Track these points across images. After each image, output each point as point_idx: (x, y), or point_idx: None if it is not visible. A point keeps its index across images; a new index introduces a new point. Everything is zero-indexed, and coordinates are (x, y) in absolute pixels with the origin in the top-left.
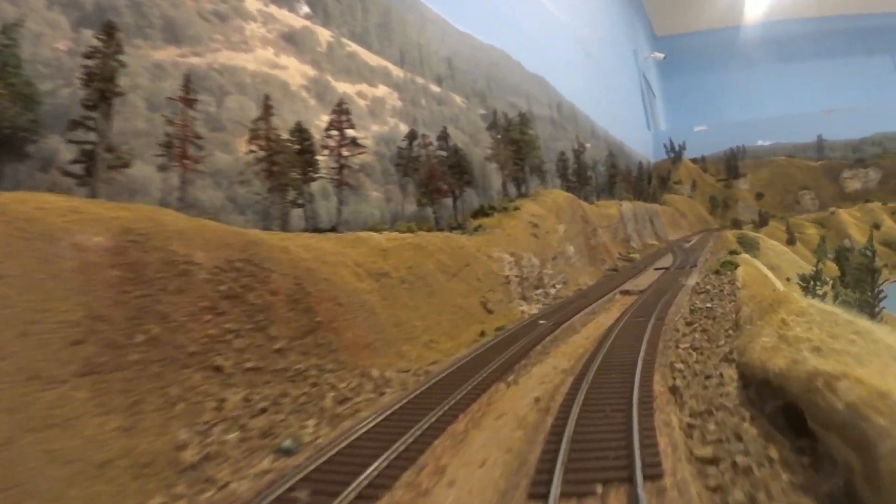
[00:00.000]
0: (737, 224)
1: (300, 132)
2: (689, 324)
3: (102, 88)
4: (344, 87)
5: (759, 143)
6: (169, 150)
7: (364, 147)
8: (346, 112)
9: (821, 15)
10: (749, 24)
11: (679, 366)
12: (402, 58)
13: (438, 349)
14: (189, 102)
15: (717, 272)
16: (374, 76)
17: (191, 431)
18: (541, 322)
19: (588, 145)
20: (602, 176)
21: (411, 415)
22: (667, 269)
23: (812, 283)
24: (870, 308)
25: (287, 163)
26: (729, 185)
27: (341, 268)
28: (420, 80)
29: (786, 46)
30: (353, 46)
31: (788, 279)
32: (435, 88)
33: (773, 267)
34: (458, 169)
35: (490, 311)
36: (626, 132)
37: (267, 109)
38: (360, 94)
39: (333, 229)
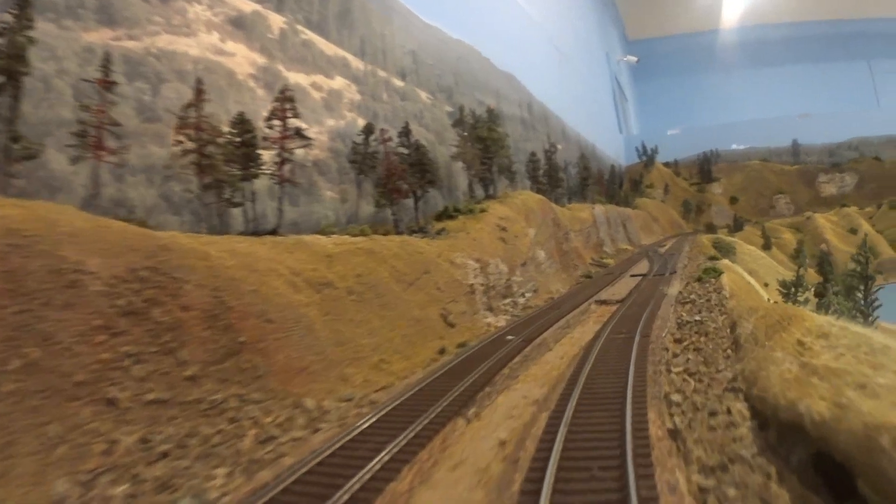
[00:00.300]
0: (711, 228)
1: (241, 123)
2: (678, 341)
3: (8, 67)
4: (297, 78)
5: (734, 147)
6: (82, 140)
7: (310, 140)
8: (291, 100)
9: (797, 20)
10: (724, 28)
11: (675, 397)
12: (362, 49)
13: (389, 371)
14: (107, 85)
15: (699, 280)
16: (332, 67)
17: (71, 482)
18: (508, 338)
19: (559, 147)
20: (573, 178)
21: (344, 465)
22: (644, 275)
23: (793, 289)
24: (863, 317)
25: (221, 156)
26: (702, 190)
27: (273, 277)
28: (382, 73)
29: (761, 51)
30: (309, 34)
31: (766, 284)
32: (398, 82)
33: (750, 272)
34: (419, 167)
35: (451, 325)
36: (597, 135)
37: (199, 95)
38: (315, 86)
39: (274, 232)
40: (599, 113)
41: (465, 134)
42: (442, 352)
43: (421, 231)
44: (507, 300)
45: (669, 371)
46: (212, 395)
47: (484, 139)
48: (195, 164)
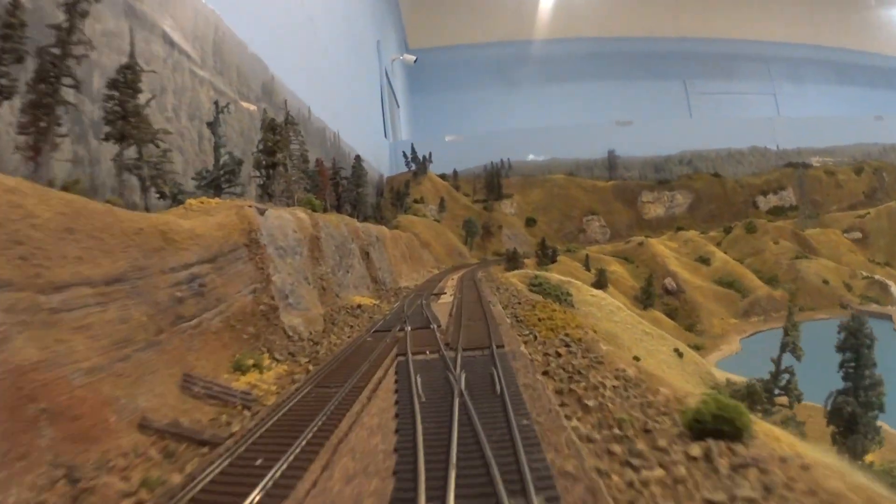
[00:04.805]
0: (513, 259)
1: None
2: None
3: None
4: None
5: (531, 157)
6: None
7: None
8: None
9: (599, 35)
10: (525, 40)
11: None
12: None
13: None
14: None
15: None
16: None
17: None
18: None
19: (252, 107)
20: (243, 149)
21: None
22: None
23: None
24: None
25: None
26: (489, 208)
27: None
28: None
29: (570, 64)
30: None
31: (638, 359)
32: None
33: (612, 336)
34: None
35: None
36: (351, 130)
37: None
38: None
39: None
40: (361, 106)
41: None
42: None
43: None
44: None
45: None
46: None
47: None
48: None
